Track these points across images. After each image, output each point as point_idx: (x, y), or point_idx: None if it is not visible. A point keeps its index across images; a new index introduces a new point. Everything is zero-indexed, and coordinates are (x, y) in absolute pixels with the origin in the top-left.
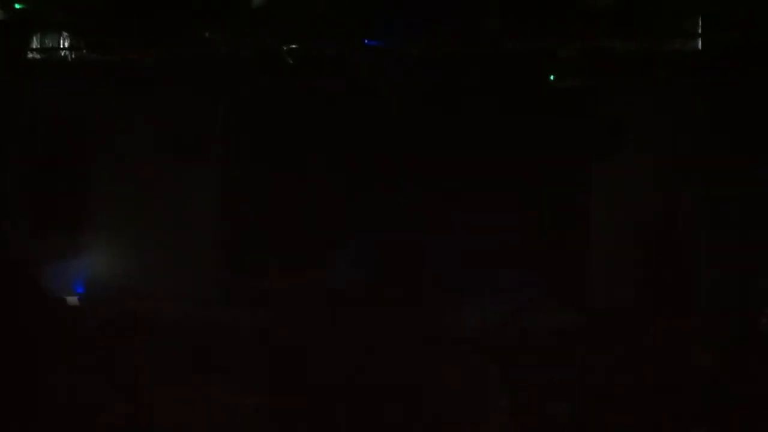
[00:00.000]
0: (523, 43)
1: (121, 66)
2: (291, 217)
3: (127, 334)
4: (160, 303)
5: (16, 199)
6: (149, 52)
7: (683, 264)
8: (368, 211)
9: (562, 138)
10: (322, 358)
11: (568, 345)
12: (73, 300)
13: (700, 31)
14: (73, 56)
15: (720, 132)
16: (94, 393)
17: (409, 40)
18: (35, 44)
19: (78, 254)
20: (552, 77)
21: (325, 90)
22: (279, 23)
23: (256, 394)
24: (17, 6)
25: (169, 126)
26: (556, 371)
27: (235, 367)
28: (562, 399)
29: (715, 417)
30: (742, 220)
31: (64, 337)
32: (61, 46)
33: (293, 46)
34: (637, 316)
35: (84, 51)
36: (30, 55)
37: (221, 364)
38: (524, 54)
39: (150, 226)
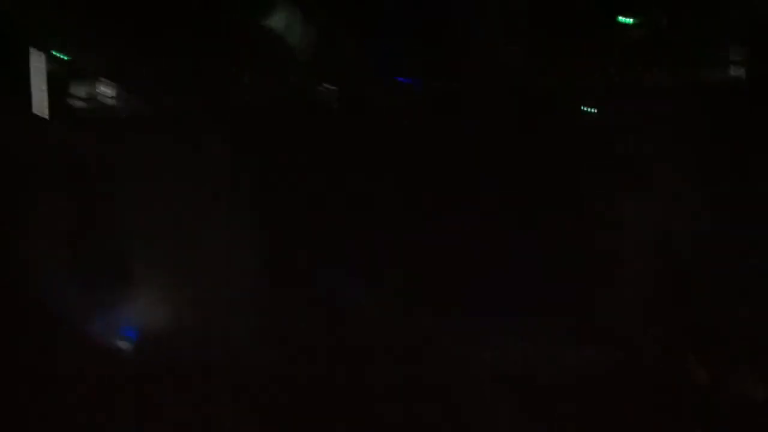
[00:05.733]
0: (551, 79)
1: (161, 110)
2: (333, 267)
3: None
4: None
5: (64, 245)
6: (188, 96)
7: (710, 296)
8: (391, 241)
9: (588, 170)
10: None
11: (595, 380)
12: (123, 344)
13: (730, 60)
14: (113, 103)
15: (751, 161)
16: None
17: (438, 77)
18: (76, 92)
19: (127, 299)
20: (581, 112)
21: (355, 127)
22: (310, 61)
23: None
24: (57, 54)
25: (207, 170)
26: (584, 406)
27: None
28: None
29: None
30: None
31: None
32: (102, 94)
33: (324, 84)
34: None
35: (124, 98)
36: (70, 103)
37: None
38: (551, 90)
39: (195, 272)
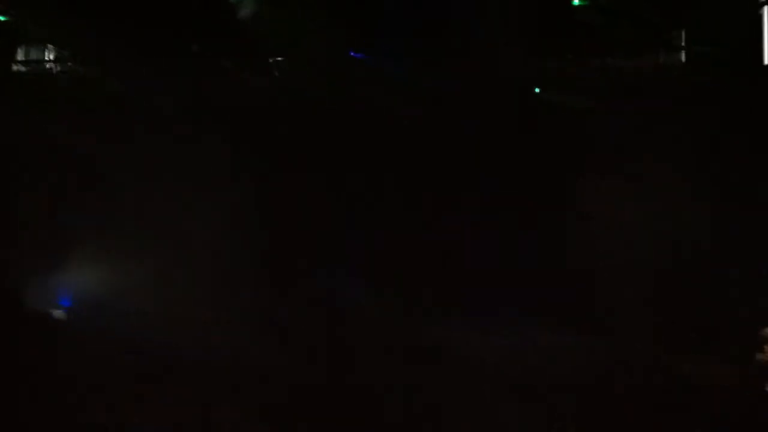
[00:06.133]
0: (513, 59)
1: (108, 79)
2: (283, 236)
3: (113, 351)
4: (147, 319)
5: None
6: (135, 65)
7: (685, 282)
8: (367, 228)
9: (559, 155)
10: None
11: (572, 364)
12: (59, 313)
13: (679, 45)
14: (58, 69)
15: (710, 146)
16: (78, 410)
17: (396, 55)
18: (20, 57)
19: (65, 268)
20: (539, 93)
21: (316, 104)
22: (267, 36)
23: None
24: (0, 18)
25: (159, 141)
26: (564, 392)
27: (221, 384)
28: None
29: None
30: (739, 237)
31: (47, 350)
32: (47, 59)
33: (280, 58)
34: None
35: (70, 64)
36: (15, 68)
37: (207, 381)
38: (513, 70)
39: (139, 241)
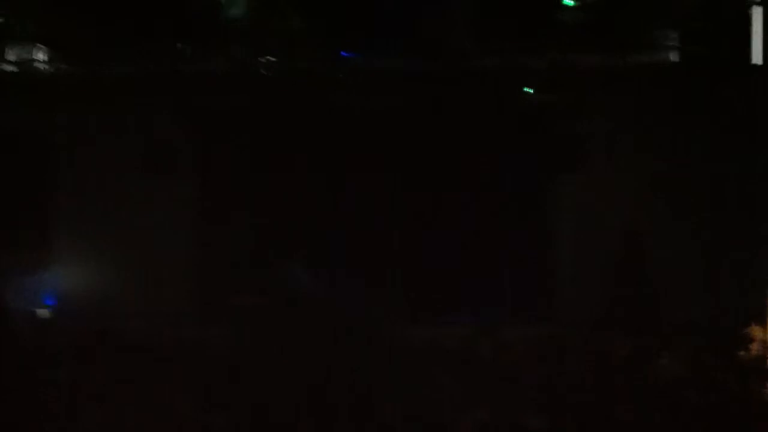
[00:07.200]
0: (494, 58)
1: (95, 79)
2: (264, 233)
3: (96, 350)
4: (130, 319)
5: None
6: (125, 64)
7: (649, 277)
8: (341, 225)
9: (530, 153)
10: (293, 373)
11: (539, 357)
12: (43, 313)
13: (669, 45)
14: (47, 69)
15: (687, 145)
16: (60, 410)
17: (383, 54)
18: (9, 57)
19: (49, 267)
20: (523, 91)
21: (300, 103)
22: (255, 36)
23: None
24: None
25: (143, 140)
26: (529, 383)
27: (205, 383)
28: (536, 411)
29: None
30: (709, 233)
31: (30, 351)
32: (36, 59)
33: (269, 58)
34: (605, 328)
35: (59, 64)
36: (3, 68)
37: (191, 380)
38: (495, 69)
39: (122, 241)
